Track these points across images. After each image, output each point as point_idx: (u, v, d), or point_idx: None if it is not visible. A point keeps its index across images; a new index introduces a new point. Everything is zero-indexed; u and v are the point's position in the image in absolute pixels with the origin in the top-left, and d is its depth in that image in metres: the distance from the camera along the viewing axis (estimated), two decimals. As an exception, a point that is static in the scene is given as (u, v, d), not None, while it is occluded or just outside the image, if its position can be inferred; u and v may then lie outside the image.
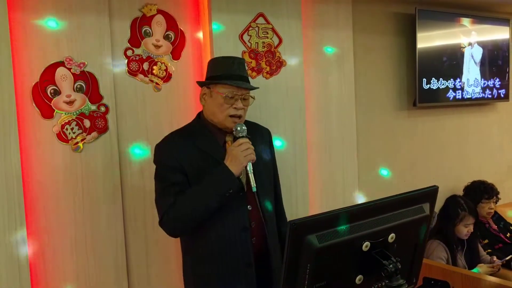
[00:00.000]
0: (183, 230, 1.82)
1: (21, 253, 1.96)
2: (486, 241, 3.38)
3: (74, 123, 2.13)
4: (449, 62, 3.48)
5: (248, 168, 1.75)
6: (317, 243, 1.15)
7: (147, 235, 2.36)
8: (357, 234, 1.23)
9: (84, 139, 2.16)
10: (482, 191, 3.40)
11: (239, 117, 1.84)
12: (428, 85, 3.37)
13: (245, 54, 2.52)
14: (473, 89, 3.65)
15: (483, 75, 3.72)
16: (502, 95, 3.86)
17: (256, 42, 2.55)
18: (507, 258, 2.90)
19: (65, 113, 2.12)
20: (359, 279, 1.26)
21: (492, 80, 3.79)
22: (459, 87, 3.55)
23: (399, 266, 1.25)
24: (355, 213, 1.26)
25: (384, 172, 3.28)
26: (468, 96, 3.63)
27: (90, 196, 2.18)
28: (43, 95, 2.06)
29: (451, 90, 3.51)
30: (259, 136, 2.03)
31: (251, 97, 1.90)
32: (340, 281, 1.24)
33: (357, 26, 3.06)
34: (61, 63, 2.10)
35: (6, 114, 1.92)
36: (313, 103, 2.84)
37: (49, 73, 2.07)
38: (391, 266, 1.24)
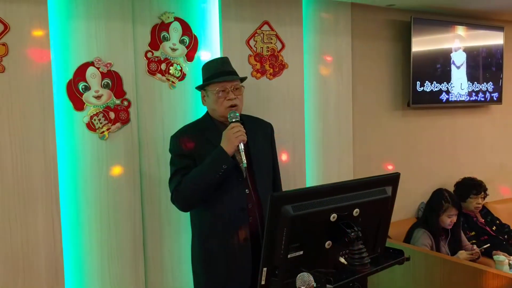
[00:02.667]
0: (190, 204, 2.16)
1: (55, 225, 2.31)
2: (473, 233, 3.64)
3: (101, 114, 2.48)
4: (442, 67, 3.74)
5: (239, 147, 2.06)
6: (292, 212, 1.46)
7: (161, 215, 2.68)
8: (326, 207, 1.54)
9: (109, 128, 2.50)
10: (470, 187, 3.67)
11: (235, 105, 2.16)
12: (422, 88, 3.64)
13: (251, 57, 2.85)
14: (465, 92, 3.91)
15: (475, 80, 3.97)
16: (495, 98, 4.11)
17: (261, 47, 2.88)
18: (485, 246, 3.18)
19: (94, 106, 2.46)
20: (328, 244, 1.57)
21: (485, 84, 4.04)
22: (451, 90, 3.81)
23: (360, 234, 1.55)
24: (325, 190, 1.57)
25: (378, 168, 3.57)
26: (461, 99, 3.90)
27: (113, 179, 2.52)
28: (75, 90, 2.41)
29: (444, 93, 3.77)
30: (261, 129, 2.36)
31: (242, 86, 2.22)
32: (312, 244, 1.55)
33: (355, 32, 3.35)
34: (91, 63, 2.44)
35: (45, 106, 2.27)
36: (312, 103, 3.15)
37: (81, 72, 2.42)
38: (353, 234, 1.54)
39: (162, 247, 2.69)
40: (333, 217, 1.55)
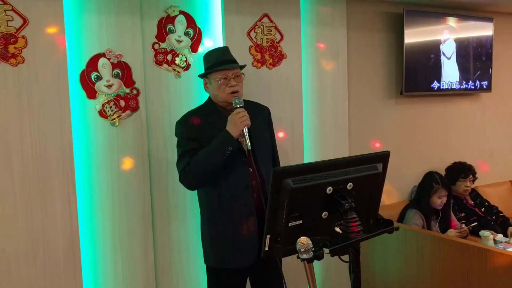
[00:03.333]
0: (197, 182, 2.34)
1: (72, 205, 2.49)
2: (463, 214, 3.84)
3: (112, 102, 2.65)
4: (434, 57, 3.92)
5: (244, 131, 2.24)
6: (292, 184, 1.63)
7: (168, 198, 2.86)
8: (323, 181, 1.71)
9: (120, 116, 2.67)
10: (460, 171, 3.86)
11: (237, 91, 2.34)
12: (414, 76, 3.82)
13: (251, 48, 3.01)
14: (456, 80, 4.09)
15: (466, 69, 4.15)
16: (484, 87, 4.29)
17: (261, 38, 3.04)
18: (473, 224, 3.38)
19: (105, 95, 2.63)
20: (324, 214, 1.75)
21: (475, 73, 4.22)
22: (442, 79, 3.99)
23: (353, 205, 1.73)
24: (323, 165, 1.74)
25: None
26: (452, 87, 4.07)
27: (124, 163, 2.70)
28: (88, 80, 2.58)
29: (435, 81, 3.95)
30: (260, 113, 2.54)
31: (242, 73, 2.40)
32: (310, 214, 1.73)
33: (351, 24, 3.52)
34: (102, 54, 2.61)
35: (61, 94, 2.44)
36: (310, 90, 3.33)
37: (93, 62, 2.58)
38: (347, 205, 1.72)
39: (170, 228, 2.87)
40: (329, 190, 1.73)
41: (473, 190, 4.03)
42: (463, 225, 3.36)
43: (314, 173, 1.70)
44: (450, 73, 4.05)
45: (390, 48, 3.80)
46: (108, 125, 2.64)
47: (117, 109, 2.66)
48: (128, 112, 2.69)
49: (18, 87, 2.33)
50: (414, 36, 3.77)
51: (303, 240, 1.57)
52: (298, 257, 1.58)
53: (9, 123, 2.32)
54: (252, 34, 3.02)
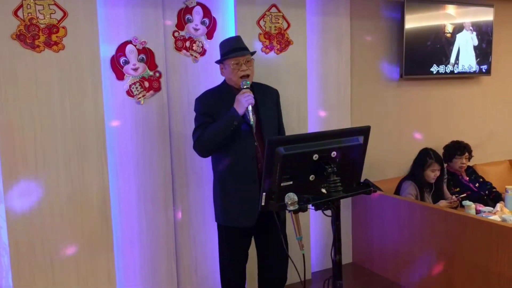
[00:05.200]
0: (207, 151, 2.72)
1: (104, 170, 2.91)
2: (458, 189, 4.14)
3: (138, 84, 3.05)
4: (433, 43, 4.19)
5: (248, 109, 2.59)
6: (283, 151, 2.00)
7: (187, 167, 3.27)
8: (310, 149, 2.06)
9: (145, 95, 3.07)
10: (456, 148, 4.16)
11: (248, 75, 2.70)
12: (413, 60, 4.10)
13: (261, 35, 3.37)
14: (456, 64, 4.36)
15: (465, 53, 4.41)
16: (484, 70, 4.55)
17: (269, 26, 3.39)
18: (462, 195, 3.69)
19: (132, 77, 3.03)
20: (312, 177, 2.10)
21: (476, 57, 4.47)
22: (443, 62, 4.27)
23: (335, 170, 2.09)
24: (310, 136, 2.10)
25: (374, 132, 4.06)
26: (451, 70, 4.35)
27: (148, 137, 3.09)
28: (117, 64, 2.98)
29: (434, 65, 4.23)
30: (269, 94, 2.90)
31: (252, 59, 2.76)
32: (299, 176, 2.09)
33: (354, 12, 3.83)
34: (129, 42, 3.00)
35: (95, 76, 2.84)
36: (314, 74, 3.67)
37: (121, 49, 2.98)
38: (329, 169, 2.08)
39: (188, 194, 3.28)
40: (315, 157, 2.08)
41: (469, 167, 4.32)
42: (453, 197, 3.67)
43: (302, 143, 2.06)
44: (451, 58, 4.32)
45: (391, 34, 4.09)
46: (134, 104, 3.05)
47: (142, 89, 3.06)
48: (151, 92, 3.08)
49: (60, 70, 2.74)
50: (414, 21, 4.04)
51: (290, 195, 1.94)
52: (286, 209, 1.95)
53: (53, 101, 2.74)
54: (261, 22, 3.36)
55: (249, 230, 2.82)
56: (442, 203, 3.59)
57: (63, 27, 2.72)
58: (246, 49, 2.77)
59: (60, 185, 2.79)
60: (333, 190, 2.09)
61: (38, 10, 2.64)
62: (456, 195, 3.96)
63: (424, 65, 4.19)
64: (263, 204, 2.06)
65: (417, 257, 3.42)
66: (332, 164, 2.09)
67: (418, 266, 3.43)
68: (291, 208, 1.94)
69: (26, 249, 2.71)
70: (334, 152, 2.13)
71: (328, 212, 2.10)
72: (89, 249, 2.89)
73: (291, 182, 2.07)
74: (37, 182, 2.72)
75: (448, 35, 4.27)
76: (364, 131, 2.26)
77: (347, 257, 4.06)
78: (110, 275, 2.96)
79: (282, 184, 2.04)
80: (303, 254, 2.05)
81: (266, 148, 1.98)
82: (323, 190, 2.16)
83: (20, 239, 2.69)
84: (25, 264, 2.71)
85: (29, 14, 2.62)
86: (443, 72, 4.29)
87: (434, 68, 4.24)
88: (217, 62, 2.84)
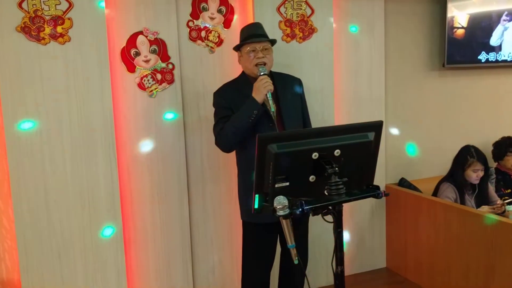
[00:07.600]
0: (230, 145, 2.57)
1: (112, 165, 2.84)
2: (509, 190, 3.73)
3: (150, 76, 2.94)
4: (481, 28, 3.77)
5: (267, 96, 2.42)
6: (276, 149, 1.81)
7: (203, 162, 3.13)
8: (308, 147, 1.85)
9: (157, 88, 2.95)
10: (508, 145, 3.74)
11: (264, 64, 2.52)
12: (457, 48, 3.71)
13: (281, 23, 3.15)
14: (508, 52, 3.90)
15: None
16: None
17: (291, 13, 3.16)
18: (508, 200, 3.27)
19: (143, 69, 2.92)
20: (312, 178, 1.89)
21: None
22: (491, 49, 3.84)
23: (337, 170, 1.86)
24: (307, 133, 1.89)
25: (411, 127, 3.74)
26: (503, 58, 3.90)
27: (162, 129, 2.98)
28: (128, 55, 2.88)
29: (483, 53, 3.81)
30: (291, 84, 2.70)
31: (270, 47, 2.57)
32: (296, 177, 1.88)
33: (389, -5, 3.51)
34: (140, 32, 2.89)
35: (102, 69, 2.76)
36: (343, 63, 3.40)
37: (132, 40, 2.87)
38: (330, 170, 1.85)
39: (204, 190, 3.14)
40: (315, 155, 1.87)
41: (524, 166, 3.88)
42: (499, 200, 3.28)
43: (298, 140, 1.85)
44: (502, 45, 3.87)
45: (432, 18, 3.73)
46: (146, 97, 2.94)
47: (154, 82, 2.94)
48: (164, 84, 2.96)
49: (66, 62, 2.68)
50: (458, 7, 3.65)
51: (279, 199, 1.74)
52: (275, 214, 1.75)
53: (59, 95, 2.69)
54: (282, 9, 3.14)
55: (275, 225, 2.63)
56: (484, 208, 3.21)
57: (69, 18, 2.65)
58: (264, 35, 2.59)
59: (67, 183, 2.75)
60: (334, 193, 1.87)
61: (43, 2, 2.58)
62: (506, 197, 3.56)
63: (471, 53, 3.78)
64: (256, 206, 1.88)
65: (454, 266, 3.08)
66: (334, 164, 1.87)
67: (454, 277, 3.09)
68: (281, 213, 1.75)
69: (34, 243, 2.69)
70: (338, 150, 1.91)
71: (329, 218, 1.89)
72: (96, 245, 2.83)
73: (287, 183, 1.88)
74: (44, 176, 2.68)
75: (502, 19, 3.83)
76: (375, 127, 2.01)
77: (381, 262, 3.79)
78: (119, 272, 2.89)
79: (276, 185, 1.86)
80: (298, 262, 1.86)
81: (257, 146, 1.80)
82: (326, 192, 1.95)
83: (28, 234, 2.67)
84: (33, 259, 2.69)
85: (34, 6, 2.57)
86: (494, 60, 3.86)
87: (482, 56, 3.82)
88: (235, 48, 2.68)
